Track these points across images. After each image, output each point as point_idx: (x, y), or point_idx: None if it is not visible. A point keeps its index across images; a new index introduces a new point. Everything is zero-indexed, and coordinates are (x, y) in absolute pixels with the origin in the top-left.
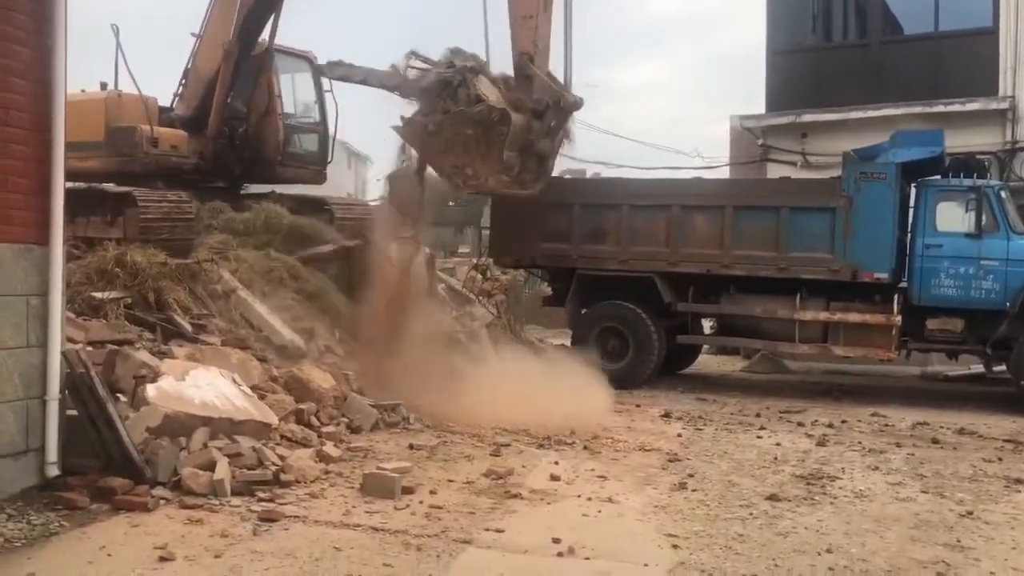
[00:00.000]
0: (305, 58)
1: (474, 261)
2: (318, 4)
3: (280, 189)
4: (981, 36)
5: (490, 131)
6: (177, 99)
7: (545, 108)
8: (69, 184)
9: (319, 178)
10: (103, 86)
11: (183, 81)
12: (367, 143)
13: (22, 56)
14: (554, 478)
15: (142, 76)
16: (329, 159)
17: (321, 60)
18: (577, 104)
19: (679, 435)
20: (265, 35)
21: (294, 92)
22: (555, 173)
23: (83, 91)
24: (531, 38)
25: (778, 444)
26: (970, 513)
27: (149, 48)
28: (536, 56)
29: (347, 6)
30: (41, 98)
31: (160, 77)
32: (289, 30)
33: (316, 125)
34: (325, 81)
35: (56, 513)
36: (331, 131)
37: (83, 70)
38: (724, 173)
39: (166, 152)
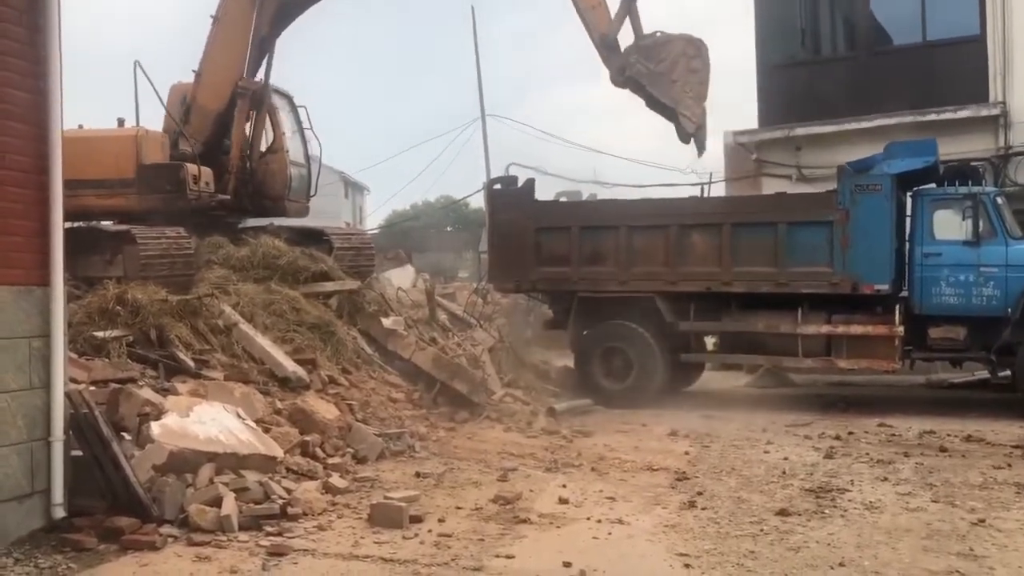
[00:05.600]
0: (286, 96)
1: (474, 286)
2: (307, 41)
3: (277, 221)
4: (969, 44)
5: None
6: (180, 136)
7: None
8: (67, 224)
9: (304, 211)
10: (120, 122)
11: (185, 118)
12: (363, 173)
13: (17, 99)
14: (563, 501)
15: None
16: (312, 192)
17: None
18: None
19: (686, 453)
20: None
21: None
22: (550, 196)
23: (80, 126)
24: (606, 20)
25: (786, 458)
26: (982, 521)
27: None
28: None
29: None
30: (38, 140)
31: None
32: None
33: (299, 162)
34: (304, 119)
35: (64, 555)
36: (315, 166)
37: (82, 106)
38: (720, 188)
39: (204, 189)
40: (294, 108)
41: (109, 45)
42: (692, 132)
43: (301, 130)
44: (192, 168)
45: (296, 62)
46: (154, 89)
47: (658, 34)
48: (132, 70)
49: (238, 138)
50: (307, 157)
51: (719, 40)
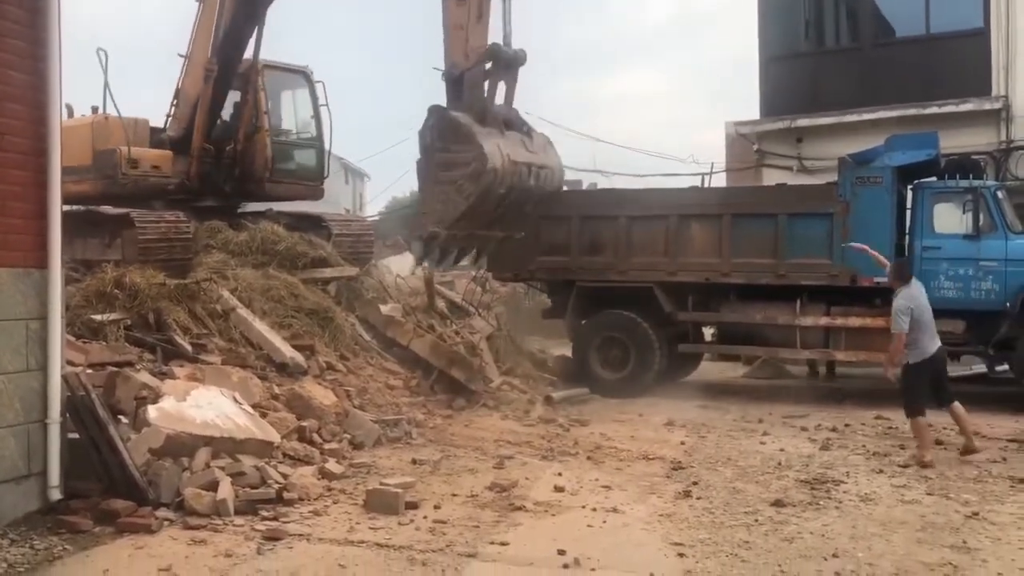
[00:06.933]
0: (301, 73)
1: (473, 274)
2: (302, 21)
3: (276, 206)
4: (972, 37)
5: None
6: (170, 120)
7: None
8: (66, 207)
9: (317, 193)
10: (94, 110)
11: (174, 102)
12: (364, 159)
13: (16, 81)
14: (558, 489)
15: (142, 98)
16: (326, 174)
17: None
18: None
19: (682, 443)
20: (249, 53)
21: (295, 108)
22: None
23: (83, 115)
24: (460, 49)
25: (782, 449)
26: (976, 514)
27: (148, 70)
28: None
29: (337, 23)
30: (36, 122)
31: (154, 99)
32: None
33: (312, 140)
34: (321, 95)
35: (59, 537)
36: (327, 146)
37: (82, 95)
38: (721, 179)
39: (146, 172)
40: (310, 84)
41: (114, 32)
42: (409, 241)
43: (317, 109)
44: (125, 152)
45: (296, 47)
46: (105, 80)
47: (474, 126)
48: (101, 59)
49: (200, 121)
50: (321, 136)
51: (722, 29)
